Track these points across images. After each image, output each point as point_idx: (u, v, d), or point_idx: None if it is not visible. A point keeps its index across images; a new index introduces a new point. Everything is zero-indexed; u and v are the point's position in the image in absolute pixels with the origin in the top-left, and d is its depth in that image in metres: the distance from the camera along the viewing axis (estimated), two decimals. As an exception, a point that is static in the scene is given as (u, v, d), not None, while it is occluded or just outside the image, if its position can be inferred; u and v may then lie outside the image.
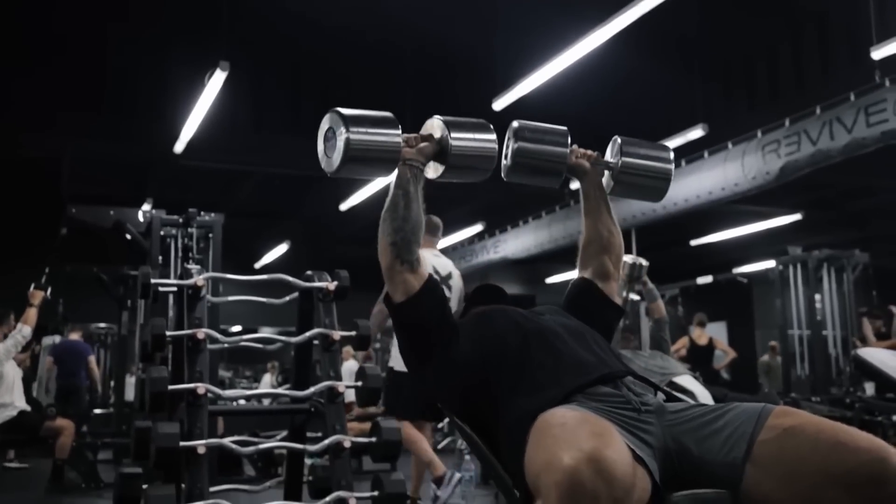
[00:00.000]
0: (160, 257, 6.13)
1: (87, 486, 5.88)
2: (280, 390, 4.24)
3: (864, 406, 6.12)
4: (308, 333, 3.15)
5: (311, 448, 2.94)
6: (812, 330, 8.36)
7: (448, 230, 13.02)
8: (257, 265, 16.12)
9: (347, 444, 2.84)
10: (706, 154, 9.10)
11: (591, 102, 8.98)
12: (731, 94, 10.58)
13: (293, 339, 3.19)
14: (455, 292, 4.41)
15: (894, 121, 6.91)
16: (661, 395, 1.80)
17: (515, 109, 7.91)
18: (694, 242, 14.07)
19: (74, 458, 5.93)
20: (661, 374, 4.36)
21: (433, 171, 2.05)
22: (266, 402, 6.39)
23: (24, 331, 5.71)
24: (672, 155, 2.27)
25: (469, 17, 9.00)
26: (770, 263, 9.23)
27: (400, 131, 1.92)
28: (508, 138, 2.14)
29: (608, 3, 6.62)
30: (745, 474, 1.52)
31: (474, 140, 2.02)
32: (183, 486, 2.64)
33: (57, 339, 9.34)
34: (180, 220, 6.21)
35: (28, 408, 5.92)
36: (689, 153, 9.12)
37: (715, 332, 10.12)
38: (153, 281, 3.19)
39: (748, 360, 11.99)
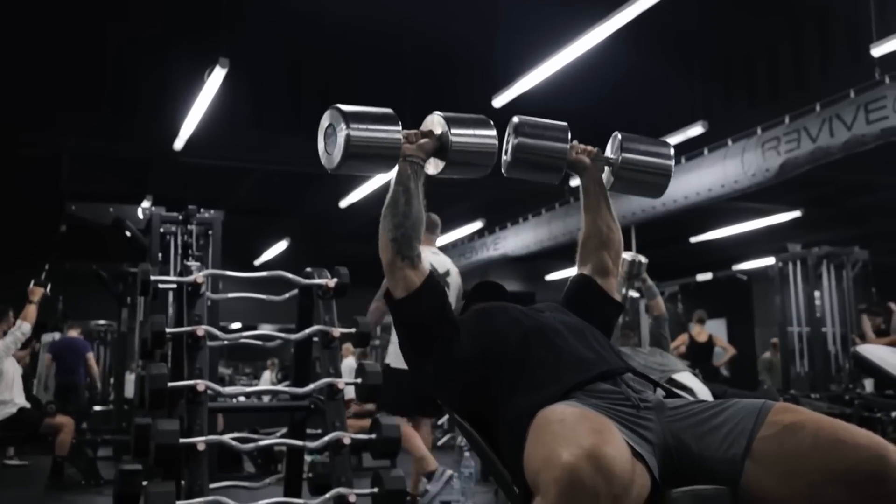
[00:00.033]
0: (160, 254, 6.13)
1: (87, 483, 5.88)
2: (280, 387, 4.24)
3: (863, 403, 6.13)
4: (308, 330, 3.15)
5: (311, 445, 2.94)
6: (811, 327, 8.36)
7: (448, 227, 13.04)
8: (257, 262, 16.12)
9: (347, 441, 2.84)
10: (706, 151, 9.10)
11: (590, 99, 8.97)
12: (731, 91, 10.58)
13: (293, 336, 3.19)
14: (453, 289, 4.40)
15: (894, 118, 6.90)
16: (660, 392, 1.80)
17: (515, 106, 7.90)
18: (694, 239, 14.07)
19: (74, 454, 5.93)
20: (660, 371, 4.36)
21: (433, 167, 2.05)
22: (266, 398, 6.40)
23: (23, 327, 5.71)
24: (672, 151, 2.27)
25: (469, 13, 8.99)
26: (770, 260, 9.23)
27: (400, 128, 1.92)
28: (509, 134, 2.14)
29: (608, -1, 6.63)
30: (744, 471, 1.52)
31: (474, 136, 2.02)
32: (183, 482, 2.64)
33: (57, 336, 9.35)
34: (180, 218, 6.21)
35: (28, 405, 5.92)
36: (688, 150, 9.12)
37: (714, 329, 10.11)
38: (153, 278, 3.19)
39: (748, 357, 12.00)
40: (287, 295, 3.36)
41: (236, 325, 15.33)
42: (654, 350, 4.84)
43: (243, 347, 3.79)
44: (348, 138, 1.86)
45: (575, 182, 2.26)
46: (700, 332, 9.06)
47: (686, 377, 4.49)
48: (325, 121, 1.95)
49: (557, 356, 1.77)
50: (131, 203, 7.68)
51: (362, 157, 1.91)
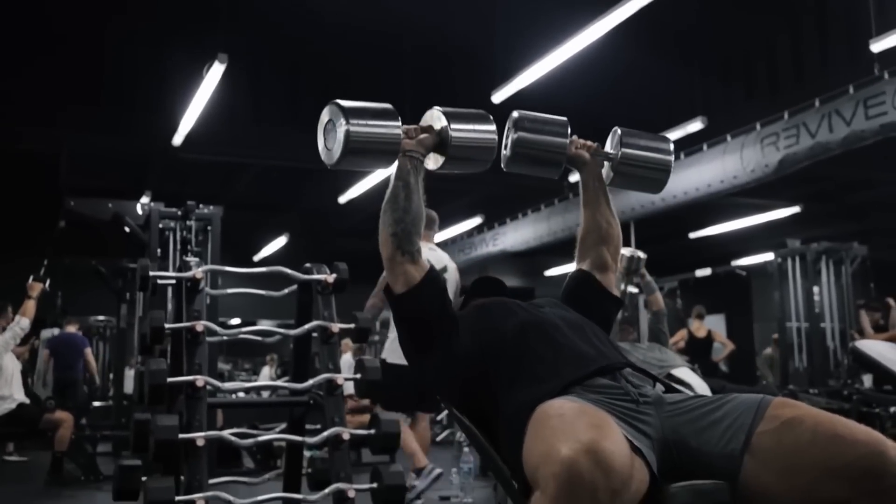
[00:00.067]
0: (159, 250, 6.13)
1: (87, 479, 5.89)
2: (279, 383, 4.23)
3: (861, 398, 6.13)
4: (307, 326, 3.14)
5: (310, 440, 2.93)
6: (810, 322, 8.37)
7: (447, 223, 13.03)
8: (256, 258, 16.11)
9: (346, 437, 2.84)
10: (705, 147, 9.09)
11: (590, 95, 8.97)
12: (730, 87, 10.57)
13: (292, 332, 3.19)
14: (451, 285, 4.40)
15: (893, 113, 6.90)
16: (659, 387, 1.80)
17: (514, 101, 7.90)
18: (693, 235, 14.07)
19: (73, 450, 5.93)
20: (659, 367, 4.37)
21: (433, 162, 2.05)
22: (265, 394, 6.41)
23: (22, 323, 5.71)
24: (672, 146, 2.27)
25: (469, 8, 8.98)
26: (769, 256, 9.23)
27: (400, 123, 1.92)
28: (508, 128, 2.14)
29: (607, -5, 6.62)
30: (743, 466, 1.53)
31: (474, 131, 2.02)
32: (182, 478, 2.64)
33: (56, 331, 9.35)
34: (179, 213, 6.21)
35: (27, 400, 5.92)
36: (687, 146, 9.11)
37: (713, 325, 10.12)
38: (152, 273, 3.19)
39: (746, 352, 12.02)
40: (286, 290, 3.36)
41: (235, 321, 15.32)
42: (653, 345, 4.86)
43: (242, 343, 3.79)
44: (348, 134, 1.86)
45: (574, 177, 2.26)
46: (699, 328, 9.07)
47: (684, 373, 4.50)
48: (324, 116, 1.95)
49: (556, 351, 1.77)
50: (130, 198, 7.68)
51: (362, 153, 1.91)
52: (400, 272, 1.88)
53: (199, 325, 2.92)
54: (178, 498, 2.51)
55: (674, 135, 8.61)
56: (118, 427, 6.92)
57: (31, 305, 5.70)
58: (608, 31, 6.79)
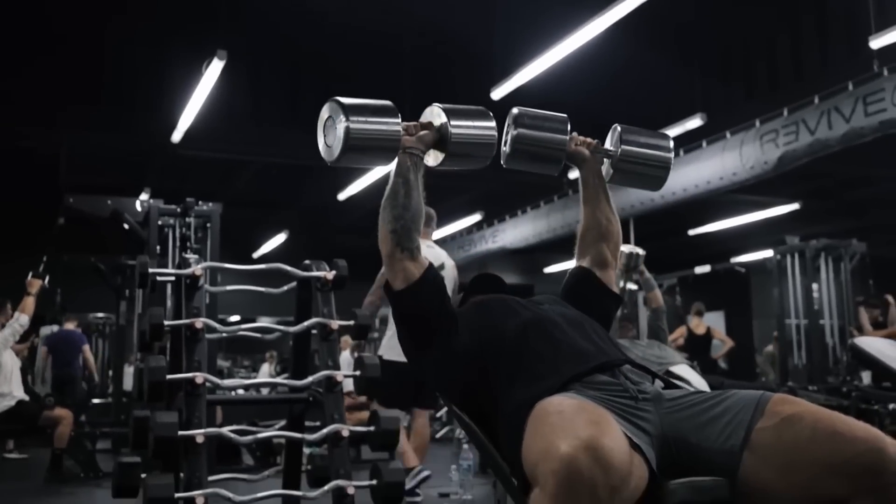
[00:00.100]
0: (158, 247, 6.12)
1: (86, 476, 5.89)
2: (278, 380, 4.23)
3: (860, 395, 6.13)
4: (306, 323, 3.14)
5: (310, 437, 2.94)
6: (809, 319, 8.36)
7: (447, 219, 13.04)
8: (255, 255, 16.11)
9: (346, 434, 2.84)
10: (704, 144, 9.09)
11: (589, 92, 8.96)
12: (730, 84, 10.56)
13: (291, 329, 3.19)
14: (449, 282, 4.40)
15: (892, 110, 6.89)
16: (658, 383, 1.80)
17: (514, 98, 7.89)
18: (692, 232, 14.07)
19: (73, 447, 5.94)
20: (658, 364, 4.37)
21: (433, 158, 2.05)
22: (264, 391, 6.41)
23: (21, 319, 5.71)
24: (672, 144, 2.26)
25: (468, 5, 8.97)
26: (768, 253, 9.22)
27: (399, 119, 1.92)
28: (508, 125, 2.14)
29: (607, -9, 6.61)
30: (742, 462, 1.53)
31: (474, 128, 2.02)
32: (181, 475, 2.65)
33: (55, 328, 9.35)
34: (178, 210, 6.20)
35: (27, 397, 5.92)
36: (687, 143, 9.11)
37: (713, 322, 10.13)
38: (151, 270, 3.18)
39: (746, 349, 12.03)
40: (285, 287, 3.36)
41: (235, 318, 15.31)
42: (652, 342, 4.86)
43: (242, 340, 3.78)
44: (348, 130, 1.86)
45: (574, 174, 2.26)
46: (698, 325, 9.07)
47: (684, 370, 4.50)
48: (324, 113, 1.95)
49: (556, 348, 1.77)
50: (129, 195, 7.65)
51: (362, 150, 1.91)
52: (399, 269, 1.88)
53: (199, 322, 2.91)
54: (177, 495, 2.51)
55: (673, 131, 8.61)
56: (117, 424, 6.92)
57: (30, 302, 5.70)
58: (607, 27, 6.78)
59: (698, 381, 4.35)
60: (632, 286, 6.52)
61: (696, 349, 8.65)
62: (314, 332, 3.17)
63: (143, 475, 2.67)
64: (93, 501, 5.14)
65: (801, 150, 7.81)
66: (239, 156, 10.73)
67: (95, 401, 8.98)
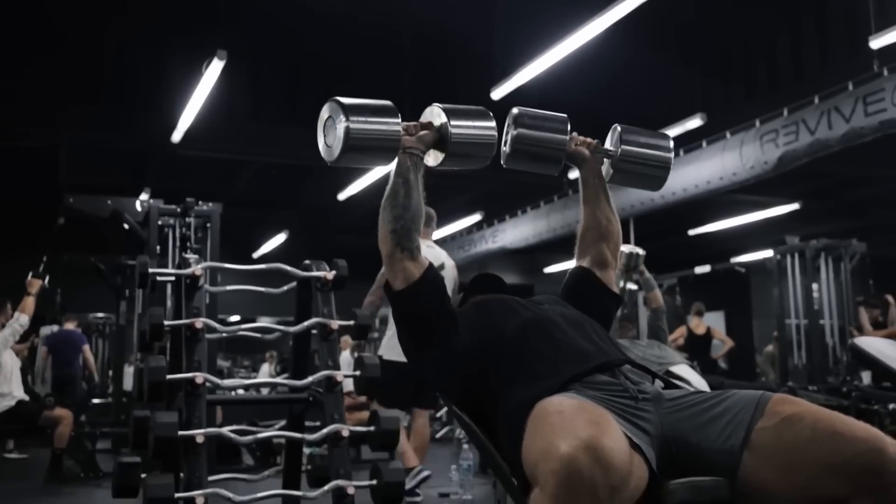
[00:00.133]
0: (158, 247, 6.12)
1: (86, 476, 5.89)
2: (278, 380, 4.23)
3: (860, 395, 6.13)
4: (306, 323, 3.14)
5: (310, 437, 2.94)
6: (809, 319, 8.36)
7: (447, 219, 13.04)
8: (255, 255, 16.11)
9: (346, 434, 2.84)
10: (704, 144, 9.09)
11: (589, 91, 8.96)
12: (730, 84, 10.57)
13: (291, 329, 3.19)
14: (449, 282, 4.40)
15: (892, 110, 6.89)
16: (658, 383, 1.80)
17: (514, 98, 7.89)
18: (692, 232, 14.07)
19: (73, 447, 5.94)
20: (658, 364, 4.37)
21: (433, 158, 2.05)
22: (264, 391, 6.40)
23: (21, 319, 5.70)
24: (672, 144, 2.26)
25: (468, 5, 8.97)
26: (768, 253, 9.23)
27: (399, 119, 1.92)
28: (508, 125, 2.14)
29: (607, -9, 6.61)
30: (742, 462, 1.53)
31: (474, 127, 2.02)
32: (181, 475, 2.65)
33: (55, 328, 9.35)
34: (178, 210, 6.20)
35: (27, 397, 5.92)
36: (687, 143, 9.11)
37: (713, 322, 10.13)
38: (151, 270, 3.18)
39: (746, 349, 12.03)
40: (285, 287, 3.36)
41: (235, 318, 15.31)
42: (652, 342, 4.85)
43: (242, 340, 3.78)
44: (348, 130, 1.86)
45: (574, 174, 2.26)
46: (698, 325, 9.07)
47: (684, 370, 4.50)
48: (324, 113, 1.95)
49: (556, 348, 1.77)
50: (129, 195, 7.66)
51: (362, 150, 1.91)
52: (399, 269, 1.88)
53: (199, 322, 2.91)
54: (177, 495, 2.51)
55: (673, 131, 8.61)
56: (117, 424, 6.92)
57: (30, 302, 5.70)
58: (608, 27, 6.78)
59: (698, 382, 4.35)
60: (632, 286, 6.52)
61: (696, 349, 8.65)
62: (314, 332, 3.18)
63: (143, 475, 2.67)
64: (93, 501, 5.14)
65: (801, 150, 7.81)
66: (239, 156, 10.73)
67: (95, 401, 8.98)
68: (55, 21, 8.78)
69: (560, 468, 1.30)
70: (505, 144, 2.14)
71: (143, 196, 9.23)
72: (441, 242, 10.78)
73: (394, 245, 1.88)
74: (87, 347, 9.26)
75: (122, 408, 7.41)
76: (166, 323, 2.98)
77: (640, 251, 5.17)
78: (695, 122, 8.92)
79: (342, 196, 11.77)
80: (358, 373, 3.04)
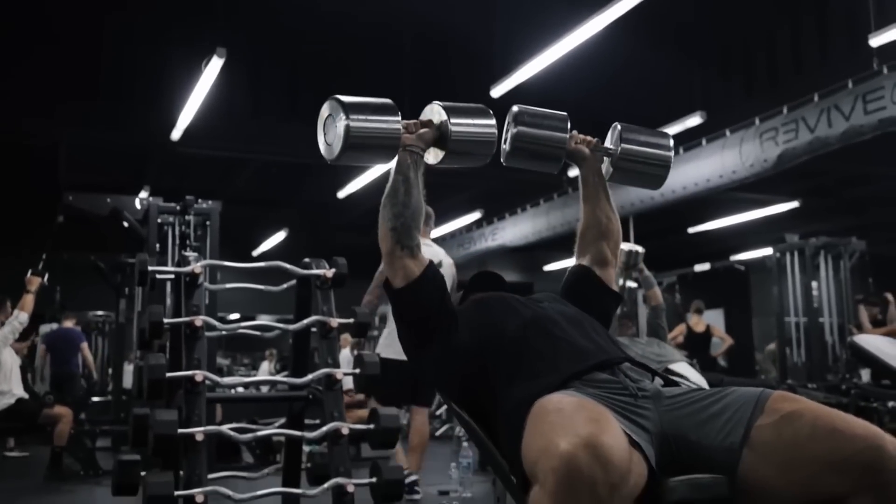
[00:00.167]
0: (157, 245, 6.12)
1: (86, 474, 5.89)
2: (278, 377, 4.24)
3: (859, 393, 6.13)
4: (306, 321, 3.14)
5: (310, 435, 2.94)
6: (809, 317, 8.37)
7: (446, 217, 13.04)
8: (255, 253, 16.11)
9: (346, 431, 2.84)
10: (704, 141, 9.09)
11: (588, 89, 8.96)
12: (730, 82, 10.57)
13: (291, 327, 3.19)
14: (446, 280, 4.40)
15: (892, 108, 6.89)
16: (658, 381, 1.80)
17: (514, 96, 7.89)
18: (691, 230, 14.08)
19: (73, 445, 5.93)
20: (657, 362, 4.37)
21: (433, 156, 2.05)
22: (264, 389, 6.40)
23: (20, 317, 5.70)
24: (672, 142, 2.26)
25: (468, 3, 8.97)
26: (767, 251, 9.24)
27: (400, 118, 1.92)
28: (508, 123, 2.13)
29: (606, -11, 6.61)
30: (742, 459, 1.53)
31: (474, 125, 2.02)
32: (181, 472, 2.65)
33: (54, 326, 9.35)
34: (177, 208, 6.20)
35: (26, 395, 5.92)
36: (686, 140, 9.12)
37: (712, 320, 10.14)
38: (150, 268, 3.18)
39: (745, 347, 12.02)
40: (285, 285, 3.36)
41: (234, 316, 15.32)
42: (652, 340, 4.86)
43: (241, 338, 3.78)
44: (348, 129, 1.86)
45: (574, 172, 2.26)
46: (698, 323, 9.08)
47: (683, 367, 4.50)
48: (324, 111, 1.95)
49: (555, 346, 1.77)
50: (129, 193, 7.66)
51: (362, 148, 1.91)
52: (399, 266, 1.88)
53: (198, 320, 2.91)
54: (177, 493, 2.51)
55: (673, 129, 8.61)
56: (117, 422, 6.92)
57: (29, 300, 5.70)
58: (607, 25, 6.78)
59: (698, 379, 4.35)
60: (631, 284, 6.52)
61: (696, 347, 8.65)
62: (314, 330, 3.18)
63: (143, 473, 2.67)
64: (93, 499, 5.14)
65: (801, 147, 7.81)
66: (238, 153, 10.73)
67: (95, 399, 8.98)
68: (54, 18, 8.77)
69: (560, 466, 1.30)
70: (505, 142, 2.14)
71: (143, 194, 9.25)
72: (441, 240, 10.76)
73: (394, 243, 1.88)
74: (85, 345, 9.25)
75: (121, 406, 7.42)
76: (166, 321, 2.98)
77: (640, 249, 5.17)
78: (695, 120, 8.92)
79: (342, 194, 11.77)
80: (357, 371, 3.04)
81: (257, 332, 3.38)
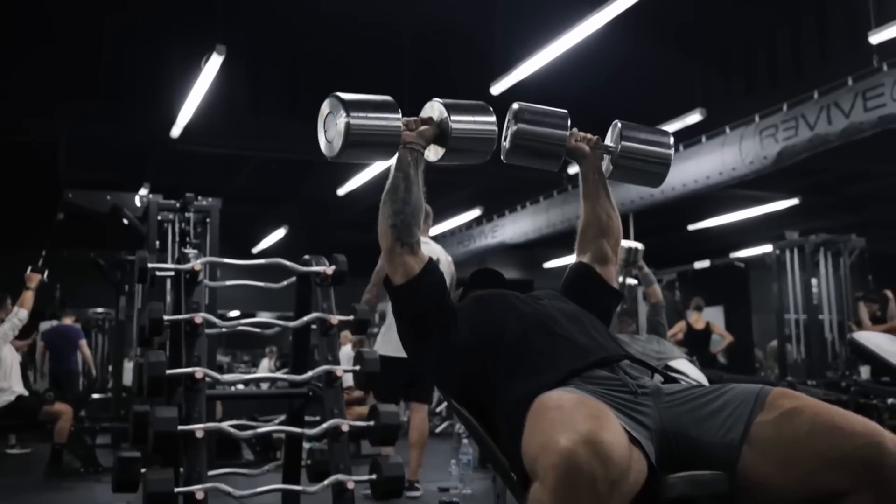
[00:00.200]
0: (157, 242, 6.12)
1: (86, 471, 5.89)
2: (278, 374, 4.24)
3: (859, 389, 6.14)
4: (306, 318, 3.15)
5: (310, 432, 2.94)
6: (808, 314, 8.38)
7: (446, 215, 13.05)
8: (255, 250, 16.12)
9: (346, 428, 2.84)
10: (704, 139, 9.09)
11: (589, 87, 8.96)
12: (730, 79, 10.56)
13: (291, 324, 3.19)
14: (445, 277, 4.40)
15: (892, 105, 6.89)
16: (658, 378, 1.80)
17: (514, 93, 7.88)
18: (691, 227, 14.08)
19: (73, 442, 5.93)
20: (657, 359, 4.38)
21: (433, 154, 2.05)
22: (264, 386, 6.42)
23: (20, 314, 5.70)
24: (672, 140, 2.26)
25: (468, 0, 8.96)
26: (767, 248, 9.24)
27: (400, 115, 1.92)
28: (508, 120, 2.13)
29: (606, -14, 6.60)
30: (742, 456, 1.53)
31: (474, 123, 2.02)
32: (181, 469, 2.65)
33: (54, 323, 9.35)
34: (177, 205, 6.20)
35: (26, 392, 5.92)
36: (686, 138, 9.12)
37: (712, 317, 10.14)
38: (150, 266, 3.18)
39: (745, 344, 12.03)
40: (285, 282, 3.36)
41: (234, 313, 15.34)
42: (652, 337, 4.86)
43: (241, 335, 3.79)
44: (348, 126, 1.86)
45: (574, 170, 2.26)
46: (697, 320, 9.08)
47: (683, 364, 4.50)
48: (324, 109, 1.95)
49: (555, 343, 1.77)
50: (129, 190, 7.66)
51: (362, 145, 1.91)
52: (399, 263, 1.89)
53: (198, 317, 2.92)
54: (177, 490, 2.52)
55: (673, 127, 8.61)
56: (117, 419, 6.92)
57: (29, 297, 5.70)
58: (607, 22, 6.78)
59: (698, 376, 4.35)
60: (631, 281, 6.53)
61: (696, 344, 8.65)
62: (314, 327, 3.18)
63: (143, 470, 2.68)
64: (93, 496, 5.15)
65: (801, 145, 7.81)
66: (238, 151, 10.73)
67: (95, 396, 8.98)
68: (54, 16, 8.76)
69: (559, 462, 1.30)
70: (505, 140, 2.14)
71: (143, 191, 9.25)
72: (440, 237, 10.75)
73: (394, 240, 1.88)
74: (84, 342, 9.25)
75: (121, 403, 7.42)
76: (166, 318, 2.98)
77: (640, 246, 5.18)
78: (694, 118, 8.92)
79: (342, 191, 11.77)
80: (357, 367, 3.04)
81: (257, 329, 3.38)
